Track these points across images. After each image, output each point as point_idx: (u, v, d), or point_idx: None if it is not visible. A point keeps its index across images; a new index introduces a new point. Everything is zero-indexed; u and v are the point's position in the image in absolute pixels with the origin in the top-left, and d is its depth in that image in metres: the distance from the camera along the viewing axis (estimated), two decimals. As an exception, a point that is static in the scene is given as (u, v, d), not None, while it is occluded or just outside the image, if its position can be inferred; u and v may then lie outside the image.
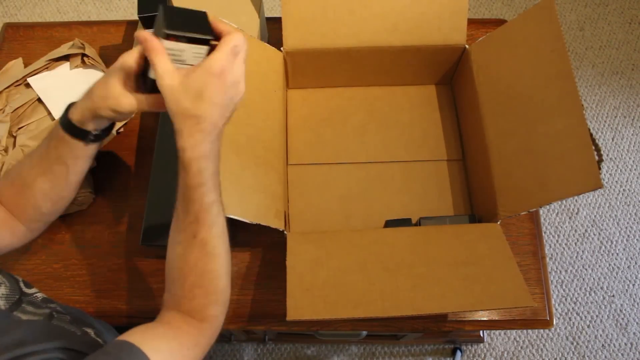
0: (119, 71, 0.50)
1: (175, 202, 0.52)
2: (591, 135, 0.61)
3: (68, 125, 0.53)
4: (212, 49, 0.48)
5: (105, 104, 0.51)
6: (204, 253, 0.51)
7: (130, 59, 0.50)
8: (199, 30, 0.48)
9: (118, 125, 0.84)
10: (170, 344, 0.48)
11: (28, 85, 0.82)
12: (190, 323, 0.51)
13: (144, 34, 0.47)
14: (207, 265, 0.51)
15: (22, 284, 0.56)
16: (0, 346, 0.43)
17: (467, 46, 0.80)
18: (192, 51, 0.48)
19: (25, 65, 0.87)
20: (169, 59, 0.47)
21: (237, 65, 0.48)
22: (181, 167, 0.49)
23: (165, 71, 0.46)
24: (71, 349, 0.47)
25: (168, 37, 0.47)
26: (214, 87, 0.47)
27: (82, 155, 0.56)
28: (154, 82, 0.48)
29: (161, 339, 0.48)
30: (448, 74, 0.88)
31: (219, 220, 0.51)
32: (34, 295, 0.56)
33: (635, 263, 1.41)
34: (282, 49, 0.79)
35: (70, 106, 0.54)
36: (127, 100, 0.51)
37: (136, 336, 0.46)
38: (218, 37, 0.49)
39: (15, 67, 0.86)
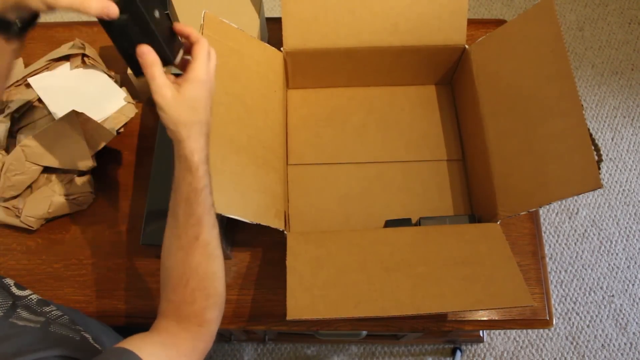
0: None
1: (171, 206, 0.52)
2: (591, 135, 0.61)
3: None
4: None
5: None
6: (205, 255, 0.51)
7: None
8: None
9: (118, 125, 0.84)
10: (168, 352, 0.49)
11: (28, 86, 0.82)
12: (188, 329, 0.51)
13: (143, 49, 0.49)
14: (208, 268, 0.52)
15: (13, 289, 0.55)
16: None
17: (467, 46, 0.81)
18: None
19: (26, 66, 0.87)
20: (163, 73, 0.49)
21: (212, 68, 0.52)
22: (187, 171, 0.50)
23: (161, 86, 0.48)
24: (70, 356, 0.47)
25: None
26: (204, 93, 0.51)
27: (5, 51, 0.53)
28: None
29: (159, 346, 0.49)
30: (448, 74, 0.88)
31: (216, 223, 0.53)
32: (29, 297, 0.56)
33: (635, 263, 1.42)
34: (282, 49, 0.79)
35: None
36: None
37: (134, 343, 0.47)
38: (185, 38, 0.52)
39: (16, 67, 0.86)
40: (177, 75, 0.52)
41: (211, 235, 0.52)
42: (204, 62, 0.51)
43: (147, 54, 0.48)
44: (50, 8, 0.48)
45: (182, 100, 0.49)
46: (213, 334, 0.54)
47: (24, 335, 0.48)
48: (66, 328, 0.54)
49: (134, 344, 0.47)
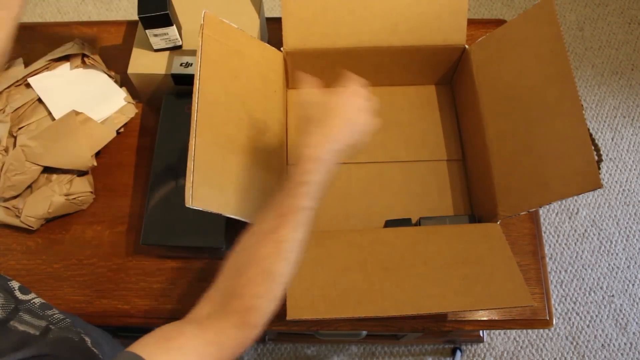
0: None
1: (273, 199, 0.52)
2: (591, 135, 0.61)
3: None
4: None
5: None
6: (276, 251, 0.48)
7: None
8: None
9: (118, 125, 0.84)
10: (187, 349, 0.44)
11: (28, 86, 0.82)
12: (223, 328, 0.46)
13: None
14: (273, 265, 0.48)
15: (17, 292, 0.55)
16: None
17: (467, 46, 0.81)
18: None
19: (26, 65, 0.87)
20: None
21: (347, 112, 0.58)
22: (295, 166, 0.52)
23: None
24: (56, 355, 0.47)
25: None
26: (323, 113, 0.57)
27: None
28: None
29: (176, 342, 0.44)
30: (448, 74, 0.88)
31: (302, 229, 0.50)
32: (32, 301, 0.55)
33: (635, 263, 1.42)
34: (282, 49, 0.79)
35: None
36: None
37: (146, 342, 0.43)
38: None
39: (16, 67, 0.86)
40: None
41: (291, 235, 0.49)
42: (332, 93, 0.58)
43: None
44: None
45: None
46: (248, 341, 0.47)
47: (21, 339, 0.48)
48: (66, 330, 0.54)
49: (149, 344, 0.43)
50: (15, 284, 0.55)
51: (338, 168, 0.55)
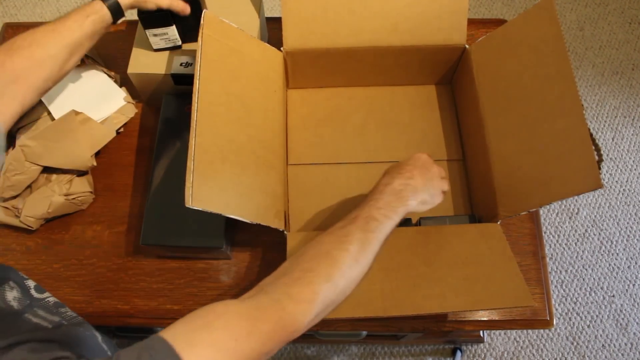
0: None
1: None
2: (591, 135, 0.61)
3: (116, 8, 0.69)
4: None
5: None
6: (338, 240, 0.51)
7: None
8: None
9: (118, 125, 0.84)
10: (215, 335, 0.41)
11: (28, 85, 0.82)
12: (261, 304, 0.43)
13: None
14: (332, 250, 0.48)
15: (33, 291, 0.55)
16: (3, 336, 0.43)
17: (467, 46, 0.80)
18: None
19: (25, 65, 0.86)
20: None
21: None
22: (375, 192, 0.60)
23: None
24: (75, 345, 0.48)
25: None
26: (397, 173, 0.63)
27: (100, 33, 0.70)
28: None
29: (204, 329, 0.41)
30: (448, 73, 0.88)
31: (370, 247, 0.54)
32: (46, 299, 0.56)
33: (636, 263, 1.41)
34: (282, 49, 0.79)
35: None
36: None
37: (175, 329, 0.41)
38: None
39: (15, 67, 0.86)
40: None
41: (357, 235, 0.52)
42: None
43: None
44: (158, 6, 0.71)
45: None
46: (290, 321, 0.44)
47: (32, 329, 0.49)
48: (78, 325, 0.54)
49: (178, 331, 0.41)
50: (31, 283, 0.56)
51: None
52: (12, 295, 0.52)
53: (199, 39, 0.65)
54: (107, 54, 0.90)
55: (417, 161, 0.64)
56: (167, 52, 0.81)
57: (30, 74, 0.63)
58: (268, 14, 0.94)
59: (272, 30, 0.90)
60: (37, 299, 0.55)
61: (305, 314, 0.45)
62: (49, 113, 0.80)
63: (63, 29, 0.65)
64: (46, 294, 0.57)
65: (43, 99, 0.81)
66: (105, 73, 0.85)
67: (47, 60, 0.64)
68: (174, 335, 0.40)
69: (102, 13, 0.67)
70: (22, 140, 0.76)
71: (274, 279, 0.48)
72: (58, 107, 0.80)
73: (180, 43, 0.80)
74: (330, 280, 0.46)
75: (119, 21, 0.71)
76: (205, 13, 0.66)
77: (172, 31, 0.77)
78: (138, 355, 0.39)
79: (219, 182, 0.62)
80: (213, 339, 0.41)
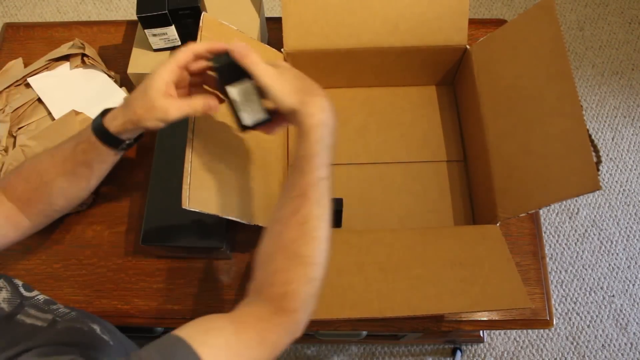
0: (171, 74, 0.51)
1: (285, 181, 0.52)
2: (590, 136, 0.61)
3: (103, 133, 0.55)
4: (264, 121, 0.56)
5: (152, 116, 0.52)
6: (300, 233, 0.48)
7: (188, 55, 0.52)
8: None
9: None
10: (228, 339, 0.44)
11: (28, 85, 0.82)
12: (261, 315, 0.46)
13: (232, 47, 0.50)
14: (300, 248, 0.47)
15: (22, 289, 0.55)
16: (7, 345, 0.43)
17: (468, 47, 0.80)
18: (255, 109, 0.55)
19: (25, 65, 0.87)
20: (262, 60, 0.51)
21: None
22: (300, 138, 0.50)
23: (264, 67, 0.50)
24: (70, 343, 0.48)
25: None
26: (295, 71, 0.53)
27: (109, 161, 0.59)
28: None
29: (217, 332, 0.44)
30: (449, 74, 0.88)
31: (324, 201, 0.49)
32: (35, 298, 0.56)
33: (635, 263, 1.41)
34: (282, 50, 0.79)
35: (105, 112, 0.56)
36: (175, 108, 0.52)
37: (189, 329, 0.44)
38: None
39: (15, 67, 0.86)
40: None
41: (313, 212, 0.48)
42: (267, 68, 0.51)
43: (237, 46, 0.50)
44: (165, 122, 0.53)
45: (283, 71, 0.51)
46: (292, 328, 0.47)
47: (31, 332, 0.49)
48: (73, 321, 0.54)
49: (189, 330, 0.43)
50: (19, 282, 0.56)
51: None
52: (1, 297, 0.51)
53: (198, 41, 0.65)
54: (107, 54, 0.90)
55: (317, 88, 0.54)
56: (167, 52, 0.81)
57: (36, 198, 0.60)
58: (268, 14, 0.94)
59: (272, 30, 0.90)
60: (27, 297, 0.55)
61: (301, 316, 0.47)
62: (49, 113, 0.80)
63: (66, 164, 0.59)
64: (35, 292, 0.57)
65: (43, 99, 0.81)
66: (105, 73, 0.85)
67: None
68: (189, 335, 0.42)
69: (92, 140, 0.56)
70: (22, 140, 0.76)
71: (260, 289, 0.49)
72: (58, 107, 0.80)
73: (180, 43, 0.80)
74: (313, 278, 0.48)
75: (122, 147, 0.58)
76: (204, 15, 0.66)
77: (172, 31, 0.77)
78: (160, 353, 0.41)
79: (216, 183, 0.62)
80: (228, 342, 0.43)
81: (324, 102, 0.51)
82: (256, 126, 0.56)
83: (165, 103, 0.51)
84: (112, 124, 0.55)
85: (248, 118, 0.55)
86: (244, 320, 0.46)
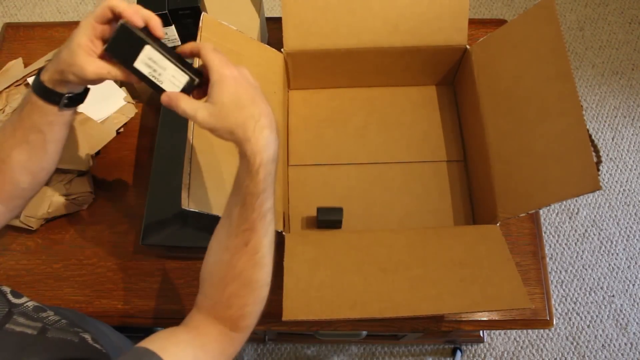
0: (90, 29, 0.48)
1: (228, 204, 0.51)
2: (590, 136, 0.61)
3: (40, 87, 0.51)
4: (191, 84, 0.49)
5: (71, 70, 0.49)
6: (252, 263, 0.50)
7: (104, 10, 0.47)
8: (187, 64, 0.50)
9: (118, 125, 0.84)
10: (195, 352, 0.47)
11: (28, 85, 0.82)
12: (221, 330, 0.50)
13: (163, 96, 0.49)
14: (252, 275, 0.50)
15: (10, 296, 0.54)
16: None
17: (468, 47, 0.80)
18: (172, 74, 0.48)
19: (25, 65, 0.87)
20: (190, 100, 0.48)
21: (227, 60, 0.49)
22: (246, 173, 0.47)
23: (195, 111, 0.47)
24: (67, 358, 0.47)
25: (161, 46, 0.48)
26: (239, 86, 0.47)
27: (57, 122, 0.54)
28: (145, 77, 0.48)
29: (185, 345, 0.47)
30: (449, 74, 0.88)
31: (270, 229, 0.50)
32: (24, 305, 0.55)
33: (635, 263, 1.41)
34: (282, 50, 0.79)
35: (41, 69, 0.52)
36: (93, 67, 0.49)
37: (158, 343, 0.45)
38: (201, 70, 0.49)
39: (15, 67, 0.86)
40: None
41: (262, 243, 0.49)
42: (216, 60, 0.47)
43: (168, 95, 0.48)
44: (83, 80, 0.50)
45: (220, 108, 0.46)
46: (243, 340, 0.53)
47: (21, 341, 0.48)
48: (64, 332, 0.53)
49: (158, 343, 0.45)
50: (6, 289, 0.55)
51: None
52: None
53: (197, 41, 0.65)
54: (107, 54, 0.90)
55: (265, 107, 0.50)
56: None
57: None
58: (268, 14, 0.94)
59: (272, 30, 0.90)
60: (15, 305, 0.53)
61: (250, 332, 0.53)
62: (49, 113, 0.80)
63: (16, 133, 0.55)
64: (24, 298, 0.55)
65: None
66: (106, 73, 0.85)
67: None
68: (159, 347, 0.44)
69: (33, 100, 0.52)
70: (22, 140, 0.76)
71: (216, 308, 0.51)
72: (58, 107, 0.80)
73: (180, 43, 0.80)
74: (263, 298, 0.53)
75: (64, 102, 0.53)
76: (203, 15, 0.66)
77: (172, 31, 0.77)
78: None
79: (216, 183, 0.62)
80: (195, 354, 0.47)
81: (270, 135, 0.48)
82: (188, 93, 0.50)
83: (85, 60, 0.48)
84: (45, 76, 0.51)
85: (171, 87, 0.49)
86: (207, 333, 0.50)
